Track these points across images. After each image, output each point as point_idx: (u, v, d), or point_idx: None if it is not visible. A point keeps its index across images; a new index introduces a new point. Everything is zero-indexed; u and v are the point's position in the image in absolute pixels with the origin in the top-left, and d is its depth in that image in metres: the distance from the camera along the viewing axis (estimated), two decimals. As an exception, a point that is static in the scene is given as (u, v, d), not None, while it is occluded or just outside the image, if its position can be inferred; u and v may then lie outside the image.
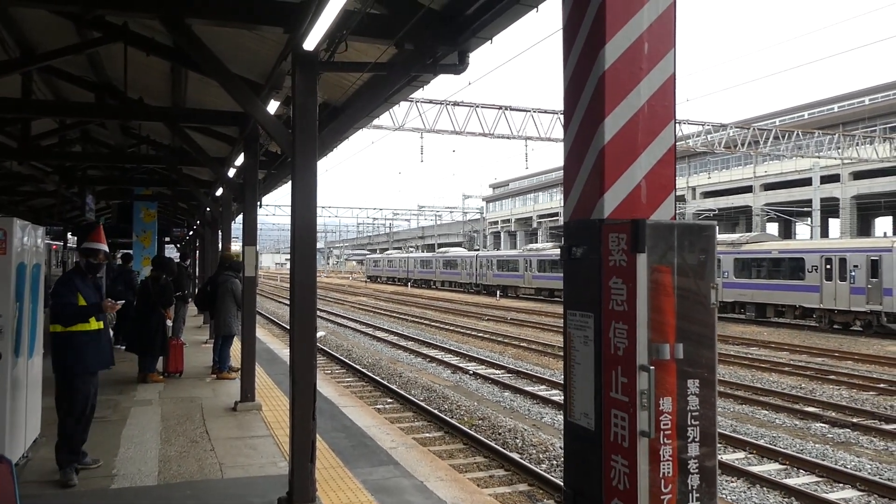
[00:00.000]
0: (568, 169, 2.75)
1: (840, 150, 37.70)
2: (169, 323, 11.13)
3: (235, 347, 11.42)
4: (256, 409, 9.02)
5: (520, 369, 17.16)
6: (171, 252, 36.63)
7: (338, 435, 8.07)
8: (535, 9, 5.28)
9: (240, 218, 11.30)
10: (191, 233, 30.28)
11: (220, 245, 15.25)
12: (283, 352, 14.94)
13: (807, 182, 42.41)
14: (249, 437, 7.74)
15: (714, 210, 51.48)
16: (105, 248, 6.73)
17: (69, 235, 30.24)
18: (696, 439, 2.44)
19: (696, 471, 2.44)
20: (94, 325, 6.33)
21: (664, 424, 2.36)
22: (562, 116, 2.92)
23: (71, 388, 6.21)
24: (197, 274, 26.83)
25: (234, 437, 7.77)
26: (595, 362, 2.53)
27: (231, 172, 11.90)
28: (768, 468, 9.45)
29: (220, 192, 14.33)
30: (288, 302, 22.10)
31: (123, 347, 11.65)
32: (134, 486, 6.14)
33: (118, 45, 7.87)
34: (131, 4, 5.66)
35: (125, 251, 17.93)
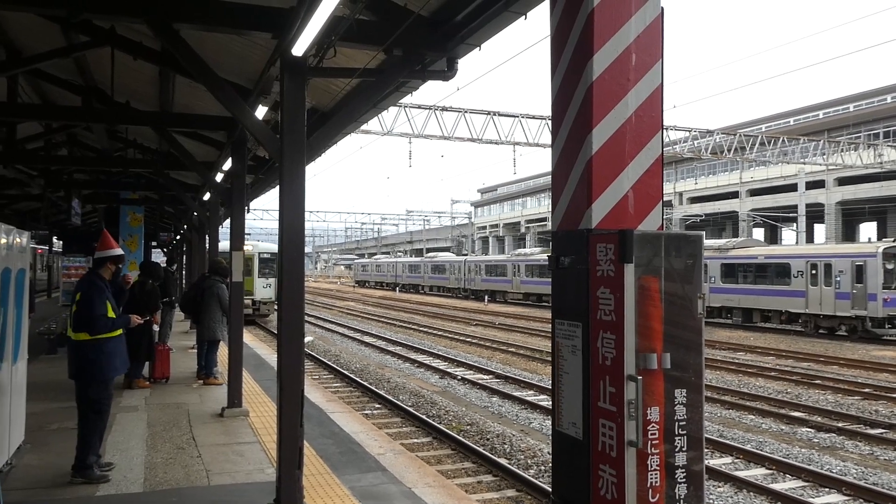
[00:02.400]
0: (556, 179, 2.76)
1: (825, 157, 38.06)
2: (155, 328, 11.05)
3: (222, 353, 11.37)
4: (243, 415, 8.97)
5: (508, 374, 17.17)
6: (159, 256, 36.36)
7: (325, 441, 8.04)
8: (524, 16, 5.31)
9: (227, 222, 11.26)
10: (178, 237, 30.10)
11: (206, 249, 15.17)
12: (271, 357, 14.88)
13: (792, 188, 42.77)
14: (236, 444, 7.69)
15: (701, 215, 51.82)
16: (119, 249, 6.94)
17: (55, 240, 29.99)
18: (684, 448, 2.45)
19: (684, 479, 2.45)
20: (118, 330, 6.57)
21: (652, 434, 2.37)
22: (550, 122, 2.93)
23: (105, 392, 6.46)
24: (184, 278, 26.68)
25: (220, 443, 7.72)
26: (583, 372, 2.54)
27: (219, 177, 11.85)
28: (755, 473, 9.50)
29: (207, 196, 14.27)
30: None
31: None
32: (119, 493, 6.09)
33: (105, 49, 7.83)
34: (118, 8, 5.63)
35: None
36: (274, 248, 31.90)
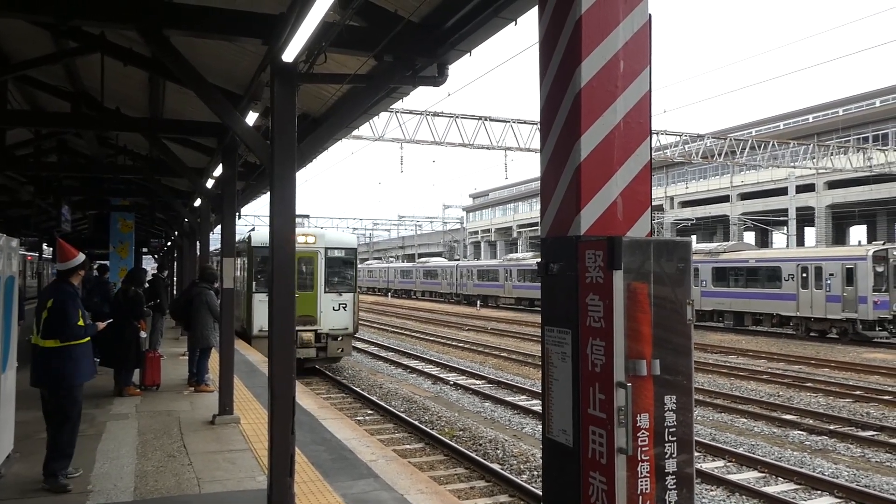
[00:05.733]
0: (545, 185, 2.77)
1: (815, 160, 38.25)
2: (143, 335, 10.95)
3: (213, 360, 11.31)
4: (235, 422, 8.93)
5: (500, 379, 17.16)
6: (150, 263, 36.11)
7: (317, 448, 8.00)
8: (514, 22, 5.33)
9: (218, 229, 11.22)
10: (169, 244, 29.98)
11: (197, 256, 15.11)
12: (262, 364, 14.81)
13: (783, 191, 42.96)
14: (228, 451, 7.65)
15: (692, 219, 51.97)
16: (82, 255, 6.81)
17: (45, 246, 29.83)
18: (674, 455, 2.45)
19: (674, 486, 2.45)
20: (85, 337, 6.53)
21: (642, 440, 2.37)
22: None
23: (71, 398, 6.39)
24: (175, 284, 26.52)
25: (212, 451, 7.67)
26: (573, 379, 2.54)
27: (209, 183, 11.82)
28: (747, 476, 9.52)
29: (198, 202, 14.22)
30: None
31: (98, 361, 11.47)
32: (109, 502, 6.03)
33: (95, 55, 7.80)
34: (109, 15, 5.61)
35: (101, 262, 17.70)
36: (349, 240, 19.40)
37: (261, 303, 16.57)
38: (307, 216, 21.58)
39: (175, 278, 26.84)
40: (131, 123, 10.20)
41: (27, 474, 6.56)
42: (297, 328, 15.26)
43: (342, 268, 17.92)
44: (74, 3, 5.41)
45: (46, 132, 12.18)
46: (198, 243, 15.79)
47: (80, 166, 14.52)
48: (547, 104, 2.75)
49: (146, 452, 7.55)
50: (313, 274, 17.29)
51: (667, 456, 2.43)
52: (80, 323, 6.39)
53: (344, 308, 17.34)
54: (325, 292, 17.19)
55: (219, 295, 10.35)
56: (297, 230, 16.75)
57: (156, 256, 33.85)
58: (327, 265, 17.45)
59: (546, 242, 2.76)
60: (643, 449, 2.37)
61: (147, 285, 13.56)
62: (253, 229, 17.30)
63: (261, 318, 16.91)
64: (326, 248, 17.47)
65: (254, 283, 17.42)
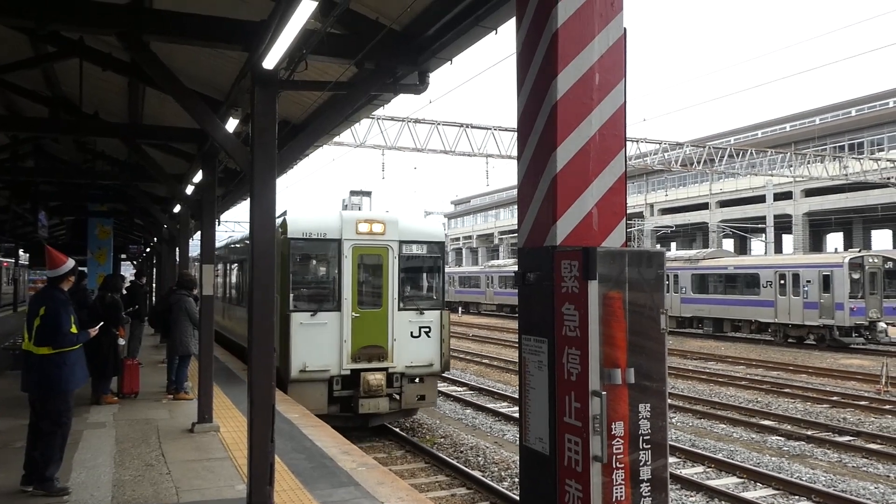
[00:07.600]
0: (522, 196, 2.80)
1: (792, 168, 38.73)
2: (121, 342, 10.84)
3: (192, 367, 11.22)
4: (214, 430, 8.86)
5: (482, 386, 17.18)
6: (128, 269, 35.74)
7: (297, 456, 7.96)
8: (495, 31, 5.38)
9: (198, 235, 11.15)
10: (148, 250, 29.71)
11: (177, 262, 14.99)
12: (242, 371, 14.71)
13: (761, 199, 43.48)
14: (207, 460, 7.59)
15: (671, 226, 52.43)
16: (71, 261, 6.81)
17: (21, 252, 29.45)
18: (649, 461, 2.48)
19: (649, 493, 2.47)
20: (77, 344, 6.59)
21: (616, 448, 2.40)
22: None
23: (65, 404, 6.40)
24: (154, 291, 26.26)
25: (190, 459, 7.61)
26: (549, 387, 2.56)
27: (189, 189, 11.75)
28: (726, 482, 9.60)
29: (177, 208, 14.12)
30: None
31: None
32: (85, 512, 5.98)
33: (73, 60, 7.74)
34: (88, 21, 5.57)
35: (79, 269, 17.48)
36: (434, 230, 13.26)
37: (303, 326, 11.29)
38: (368, 194, 13.56)
39: (154, 285, 26.58)
40: (110, 129, 10.11)
41: (4, 484, 6.48)
42: (360, 366, 11.44)
43: (424, 273, 12.73)
44: (54, 8, 5.37)
45: (23, 137, 12.04)
46: (177, 250, 15.66)
47: (58, 171, 14.35)
48: (524, 115, 2.78)
49: (124, 461, 7.48)
50: (382, 282, 11.85)
51: (641, 462, 2.46)
52: (73, 330, 6.37)
53: (427, 334, 12.08)
54: (400, 309, 11.84)
55: (198, 302, 10.28)
56: (358, 215, 11.80)
57: (134, 263, 33.53)
58: (403, 268, 12.05)
59: (523, 252, 2.79)
60: (618, 456, 2.40)
61: (125, 292, 13.43)
62: (285, 212, 11.90)
63: (305, 351, 11.33)
64: (401, 243, 11.97)
65: (291, 295, 11.62)
